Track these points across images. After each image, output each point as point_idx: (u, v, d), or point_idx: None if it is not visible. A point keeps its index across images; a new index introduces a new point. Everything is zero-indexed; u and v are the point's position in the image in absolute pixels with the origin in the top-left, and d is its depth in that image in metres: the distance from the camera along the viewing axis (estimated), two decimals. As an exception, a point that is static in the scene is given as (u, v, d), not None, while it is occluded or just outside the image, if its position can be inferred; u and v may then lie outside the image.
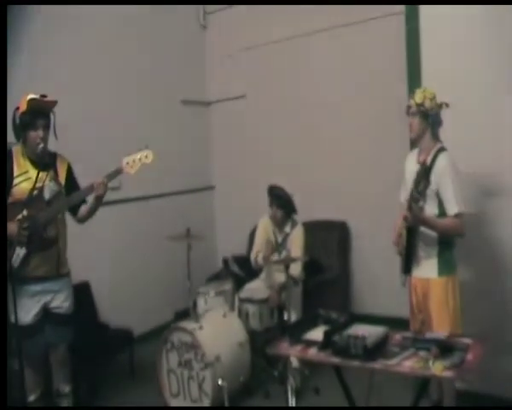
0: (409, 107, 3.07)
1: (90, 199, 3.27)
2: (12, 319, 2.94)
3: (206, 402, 3.59)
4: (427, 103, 2.99)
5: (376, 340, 2.37)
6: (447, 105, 3.02)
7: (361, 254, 5.30)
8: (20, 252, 3.06)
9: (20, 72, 3.88)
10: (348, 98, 5.19)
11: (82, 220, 3.35)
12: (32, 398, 3.22)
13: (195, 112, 6.06)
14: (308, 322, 2.69)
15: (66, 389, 3.37)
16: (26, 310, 3.11)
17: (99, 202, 3.21)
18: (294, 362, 3.94)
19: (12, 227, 3.00)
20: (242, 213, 5.66)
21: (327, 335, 2.42)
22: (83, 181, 3.35)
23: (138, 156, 3.10)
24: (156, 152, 3.17)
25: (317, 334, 2.53)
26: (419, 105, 3.00)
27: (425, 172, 2.89)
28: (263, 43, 5.60)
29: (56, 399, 3.37)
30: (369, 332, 2.39)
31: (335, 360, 2.38)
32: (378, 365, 2.32)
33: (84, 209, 3.30)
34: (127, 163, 3.11)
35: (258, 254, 4.27)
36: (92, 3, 4.51)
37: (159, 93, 5.48)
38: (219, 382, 3.56)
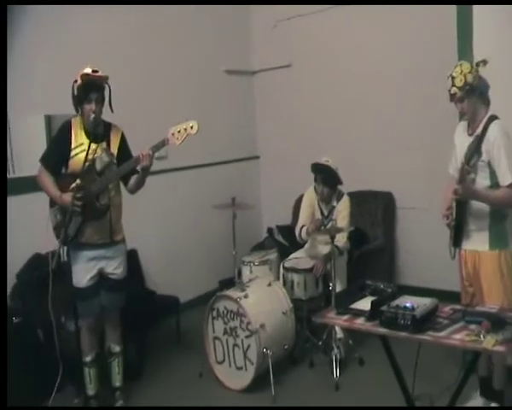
0: (452, 95, 2.87)
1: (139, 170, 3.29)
2: (71, 282, 3.08)
3: (251, 369, 3.63)
4: (469, 78, 2.80)
5: (425, 311, 2.32)
6: (485, 62, 2.83)
7: (406, 224, 5.21)
8: (75, 220, 3.14)
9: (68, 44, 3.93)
10: (394, 68, 5.06)
11: (132, 191, 3.40)
12: (88, 358, 3.37)
13: (240, 82, 6.01)
14: (355, 292, 2.66)
15: (117, 348, 3.50)
16: (82, 275, 3.22)
17: (145, 173, 3.24)
18: (339, 332, 3.94)
19: (65, 197, 3.10)
20: (287, 182, 5.64)
21: (374, 305, 2.39)
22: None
23: (184, 127, 3.10)
24: (201, 122, 3.16)
25: (364, 304, 2.50)
26: (462, 87, 2.82)
27: (476, 144, 2.78)
28: (309, 12, 5.47)
29: (108, 358, 3.50)
30: (417, 303, 2.34)
31: (383, 330, 2.34)
32: (427, 337, 2.27)
33: (133, 180, 3.34)
34: (172, 134, 3.11)
35: (302, 229, 4.25)
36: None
37: (203, 64, 5.46)
38: (264, 350, 3.60)
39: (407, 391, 2.69)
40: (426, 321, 2.31)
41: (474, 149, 2.77)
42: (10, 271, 3.79)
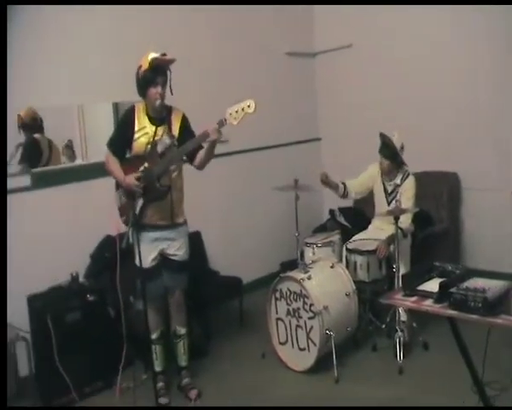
0: None
1: (206, 145, 3.31)
2: (136, 262, 3.18)
3: (314, 351, 3.65)
4: None
5: (498, 293, 2.24)
6: None
7: (472, 206, 5.06)
8: (138, 202, 3.25)
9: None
10: (461, 46, 4.88)
11: (200, 167, 3.42)
12: (154, 336, 3.48)
13: (301, 63, 5.96)
14: (422, 273, 2.60)
15: (182, 330, 3.58)
16: (145, 255, 3.29)
17: (214, 146, 3.27)
18: (403, 315, 3.89)
19: (129, 180, 3.20)
20: (349, 164, 5.53)
21: (443, 286, 2.33)
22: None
23: (241, 107, 3.09)
24: (262, 105, 3.16)
25: (431, 286, 2.44)
26: None
27: None
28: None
29: (174, 339, 3.59)
30: (488, 286, 2.28)
31: (452, 312, 2.29)
32: (499, 320, 2.20)
33: (201, 155, 3.36)
34: (230, 114, 3.10)
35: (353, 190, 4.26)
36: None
37: (264, 46, 5.45)
38: (327, 331, 3.61)
39: (477, 377, 2.63)
40: (498, 304, 2.23)
41: None
42: (84, 251, 4.00)
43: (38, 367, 3.56)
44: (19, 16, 3.66)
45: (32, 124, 3.85)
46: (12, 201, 3.66)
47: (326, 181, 4.16)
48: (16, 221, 3.69)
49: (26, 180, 3.79)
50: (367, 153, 4.28)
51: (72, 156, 4.13)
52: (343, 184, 4.25)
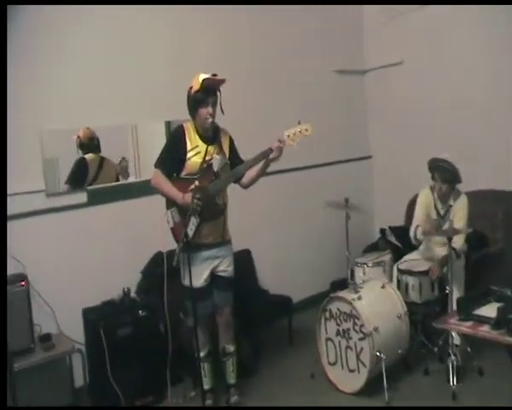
0: None
1: (259, 164, 3.34)
2: (186, 282, 3.20)
3: (364, 372, 3.59)
4: None
5: (560, 321, 2.17)
6: None
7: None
8: (194, 221, 3.26)
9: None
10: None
11: (248, 185, 3.47)
12: (202, 354, 3.49)
13: (351, 81, 5.95)
14: (478, 297, 2.54)
15: (231, 348, 3.59)
16: (198, 275, 3.32)
17: (268, 165, 3.31)
18: (456, 339, 3.77)
19: (187, 198, 3.20)
20: (401, 182, 5.50)
21: (502, 312, 2.27)
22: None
23: (298, 129, 3.14)
24: (313, 123, 3.19)
25: (488, 310, 2.38)
26: None
27: None
28: (420, 8, 5.29)
29: (222, 357, 3.60)
30: (550, 313, 2.20)
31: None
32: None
33: (251, 173, 3.39)
34: (288, 136, 3.16)
35: (417, 229, 4.11)
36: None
37: (314, 64, 5.46)
38: (377, 353, 3.55)
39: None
40: (561, 332, 2.16)
41: None
42: (136, 267, 4.08)
43: (92, 379, 3.64)
44: (81, 34, 3.83)
45: (89, 143, 4.00)
46: (68, 217, 3.82)
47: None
48: (72, 237, 3.83)
49: (81, 197, 3.92)
50: (418, 171, 4.21)
51: (126, 174, 4.24)
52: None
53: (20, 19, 3.54)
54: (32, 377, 3.33)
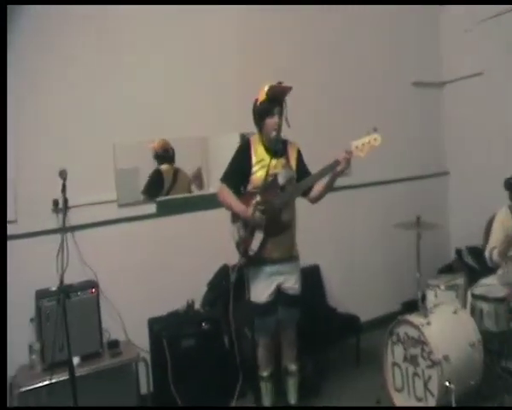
0: None
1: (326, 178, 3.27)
2: (251, 298, 3.19)
3: (432, 402, 3.40)
4: None
5: None
6: None
7: None
8: (258, 236, 3.23)
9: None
10: None
11: (316, 200, 3.39)
12: (264, 373, 3.46)
13: (428, 93, 5.73)
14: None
15: (294, 367, 3.52)
16: (262, 290, 3.29)
17: (336, 178, 3.23)
18: (537, 372, 3.52)
19: (250, 211, 3.17)
20: (479, 200, 5.20)
21: None
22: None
23: (367, 140, 3.05)
24: (387, 137, 3.10)
25: None
26: None
27: None
28: (504, 11, 4.99)
29: (284, 376, 3.55)
30: None
31: None
32: None
33: (318, 187, 3.31)
34: (356, 147, 3.08)
35: (493, 251, 3.88)
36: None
37: (389, 76, 5.33)
38: (447, 383, 3.36)
39: None
40: None
41: None
42: (202, 279, 4.12)
43: (155, 387, 3.70)
44: (162, 48, 3.97)
45: (164, 155, 4.10)
46: (138, 227, 3.92)
47: None
48: (141, 247, 3.93)
49: (151, 208, 4.02)
50: (498, 188, 3.97)
51: (201, 185, 4.30)
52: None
53: (106, 37, 3.79)
54: (97, 381, 3.42)
